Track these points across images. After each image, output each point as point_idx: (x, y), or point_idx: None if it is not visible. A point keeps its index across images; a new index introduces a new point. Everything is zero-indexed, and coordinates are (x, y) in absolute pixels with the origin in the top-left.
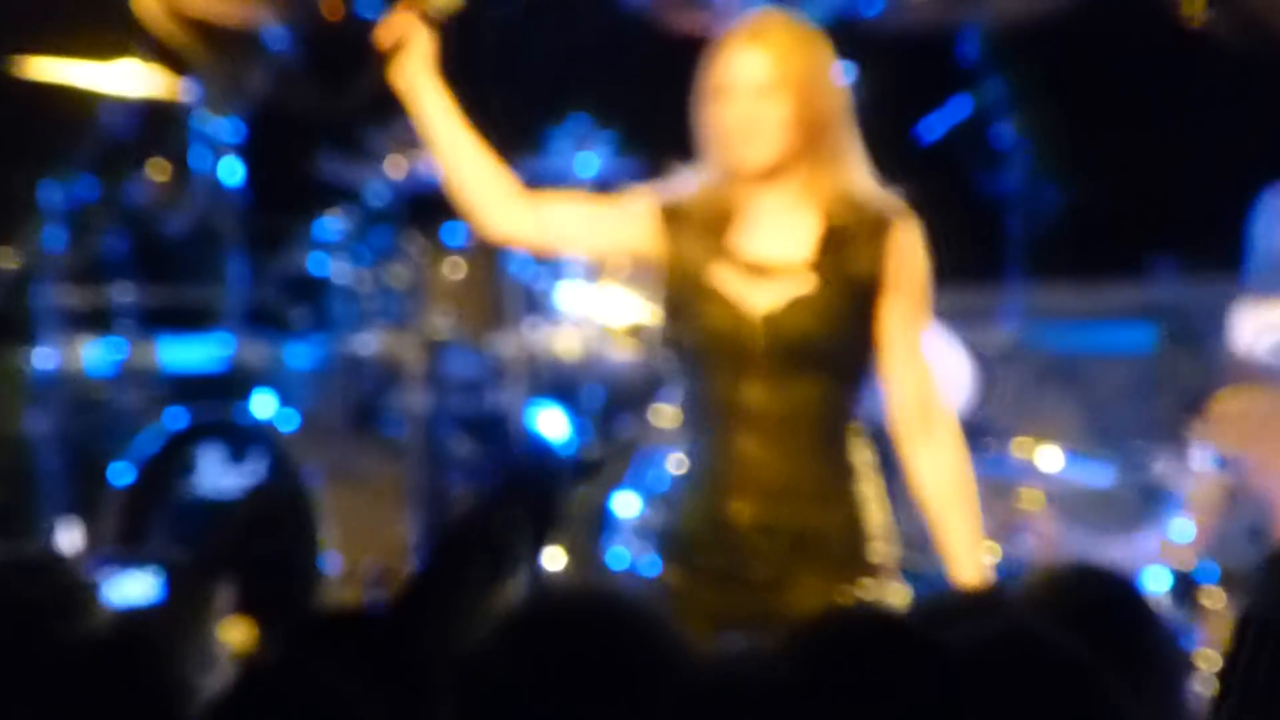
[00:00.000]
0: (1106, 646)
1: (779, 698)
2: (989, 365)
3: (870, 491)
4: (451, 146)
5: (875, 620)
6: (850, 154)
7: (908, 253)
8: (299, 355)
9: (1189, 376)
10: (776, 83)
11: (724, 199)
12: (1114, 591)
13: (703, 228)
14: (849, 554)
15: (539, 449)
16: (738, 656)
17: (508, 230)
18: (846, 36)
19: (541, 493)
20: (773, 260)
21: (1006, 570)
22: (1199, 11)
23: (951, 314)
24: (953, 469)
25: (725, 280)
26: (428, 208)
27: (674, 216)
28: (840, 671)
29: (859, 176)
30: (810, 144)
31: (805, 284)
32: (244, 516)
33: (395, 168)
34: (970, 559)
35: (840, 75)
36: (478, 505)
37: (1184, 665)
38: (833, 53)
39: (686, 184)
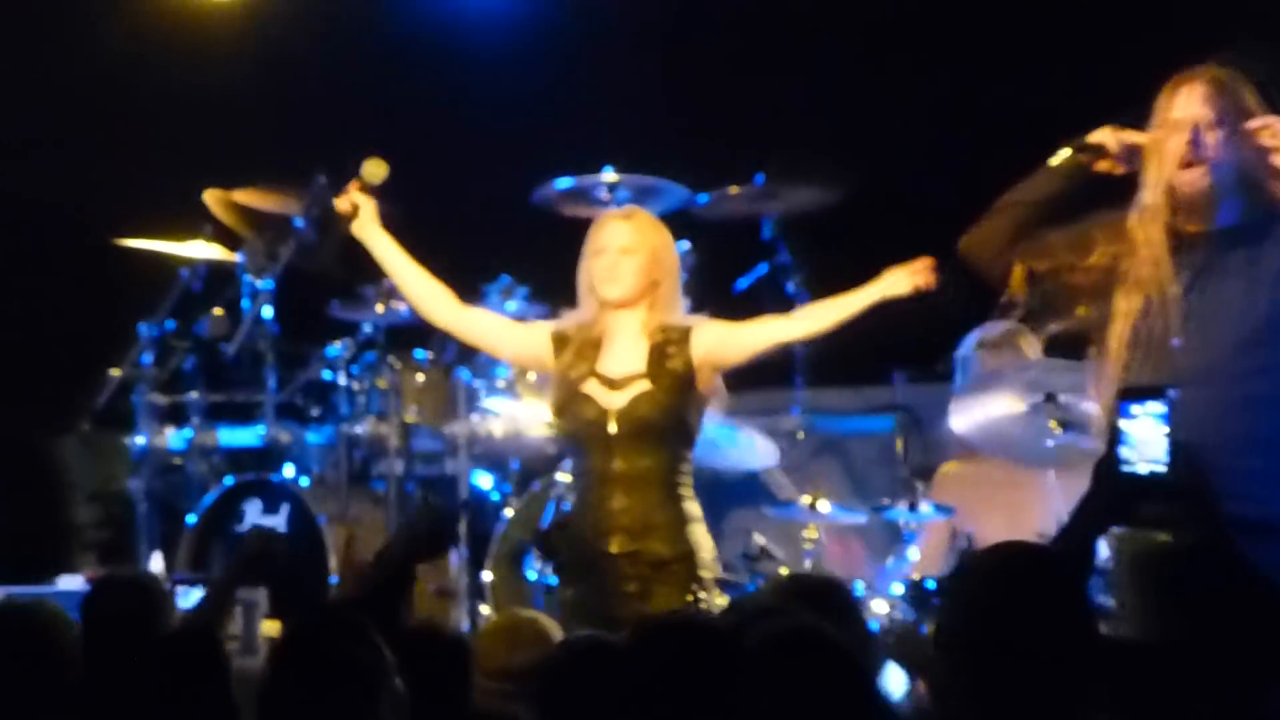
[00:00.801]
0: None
1: (617, 660)
2: (783, 443)
3: (701, 530)
4: (395, 267)
5: (686, 620)
6: (674, 298)
7: (707, 328)
8: (314, 436)
9: (916, 452)
10: (635, 245)
11: (592, 330)
12: (828, 588)
13: (578, 352)
14: (687, 573)
15: (478, 501)
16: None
17: (440, 320)
18: (685, 221)
19: (477, 529)
20: (621, 374)
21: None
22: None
23: (757, 408)
24: (826, 303)
25: (592, 389)
26: (402, 337)
27: (560, 341)
28: (661, 651)
29: (676, 311)
30: (650, 289)
31: (642, 386)
32: (246, 549)
33: (380, 310)
34: (873, 291)
35: (674, 250)
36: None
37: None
38: (670, 235)
39: (568, 320)
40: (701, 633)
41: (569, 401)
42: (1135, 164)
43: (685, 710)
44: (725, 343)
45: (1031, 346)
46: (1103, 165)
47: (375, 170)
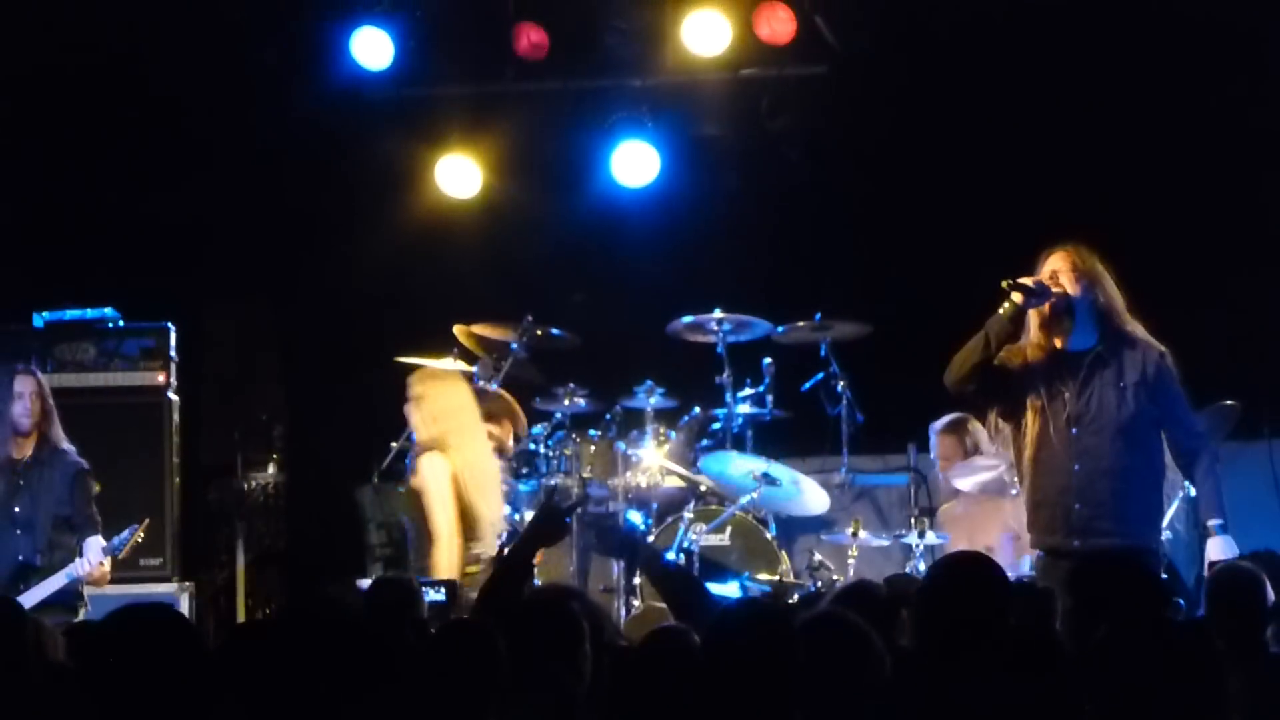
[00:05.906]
0: None
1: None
2: (834, 492)
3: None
4: None
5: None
6: None
7: None
8: (524, 486)
9: (922, 498)
10: None
11: None
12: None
13: None
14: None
15: (632, 529)
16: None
17: None
18: (768, 344)
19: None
20: None
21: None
22: None
23: (816, 468)
24: None
25: None
26: (581, 421)
27: None
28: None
29: None
30: None
31: None
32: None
33: (566, 403)
34: None
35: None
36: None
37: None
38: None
39: None
40: (772, 614)
41: None
42: (1046, 300)
43: (752, 660)
44: None
45: (975, 428)
46: (1032, 306)
47: None
